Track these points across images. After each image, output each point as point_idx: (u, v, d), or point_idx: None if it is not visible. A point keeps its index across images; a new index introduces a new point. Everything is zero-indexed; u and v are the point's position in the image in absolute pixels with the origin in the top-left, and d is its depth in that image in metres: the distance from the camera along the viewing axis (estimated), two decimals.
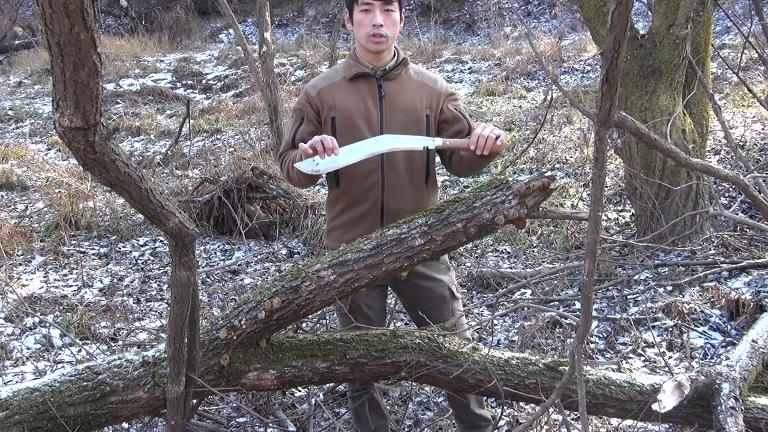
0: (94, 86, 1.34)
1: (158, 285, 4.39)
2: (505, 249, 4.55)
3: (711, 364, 2.28)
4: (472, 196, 1.98)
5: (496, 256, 4.47)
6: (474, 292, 3.96)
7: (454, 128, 2.28)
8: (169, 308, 2.07)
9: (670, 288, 3.50)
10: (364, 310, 2.32)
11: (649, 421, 2.18)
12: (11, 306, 3.86)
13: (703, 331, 3.13)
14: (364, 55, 2.21)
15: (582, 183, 5.25)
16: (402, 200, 2.21)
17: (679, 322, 3.16)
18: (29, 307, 3.82)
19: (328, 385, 2.82)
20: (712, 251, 3.72)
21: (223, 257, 4.95)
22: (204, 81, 10.29)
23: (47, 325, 3.60)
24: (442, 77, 2.33)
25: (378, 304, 2.38)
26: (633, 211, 4.40)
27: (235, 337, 1.99)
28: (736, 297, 3.16)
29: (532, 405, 2.57)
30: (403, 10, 2.21)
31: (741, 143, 5.15)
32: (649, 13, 4.93)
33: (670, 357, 2.97)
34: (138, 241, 5.20)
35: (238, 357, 2.03)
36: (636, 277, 3.69)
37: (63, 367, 3.12)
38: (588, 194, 4.99)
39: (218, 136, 7.79)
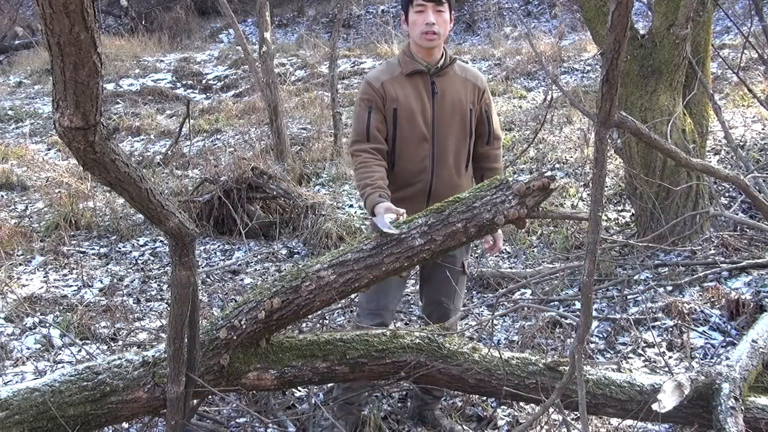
0: (94, 86, 1.34)
1: (158, 285, 4.39)
2: (505, 249, 4.55)
3: (711, 364, 2.28)
4: (472, 196, 1.99)
5: (496, 256, 4.47)
6: (474, 292, 3.96)
7: (478, 129, 2.55)
8: (169, 308, 2.07)
9: (670, 288, 3.50)
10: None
11: (649, 421, 2.18)
12: (11, 306, 3.86)
13: (703, 331, 3.13)
14: (418, 52, 2.44)
15: (582, 183, 5.25)
16: (446, 185, 2.45)
17: (679, 322, 3.16)
18: (29, 307, 3.82)
19: (328, 385, 2.82)
20: (712, 251, 3.72)
21: (223, 257, 4.95)
22: (204, 81, 10.29)
23: (47, 325, 3.59)
24: (481, 73, 2.61)
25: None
26: (633, 211, 4.39)
27: (235, 337, 1.99)
28: (736, 297, 3.16)
29: (532, 405, 2.57)
30: (453, 11, 2.46)
31: (741, 143, 5.15)
32: (649, 13, 4.93)
33: (670, 357, 2.97)
34: (138, 241, 5.20)
35: (238, 357, 2.03)
36: (636, 277, 3.69)
37: (63, 367, 3.12)
38: (588, 194, 4.99)
39: (218, 136, 7.78)
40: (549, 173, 1.97)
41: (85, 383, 1.93)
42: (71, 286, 4.33)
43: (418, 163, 2.45)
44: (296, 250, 4.98)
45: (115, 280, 4.44)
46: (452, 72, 2.48)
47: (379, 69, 2.52)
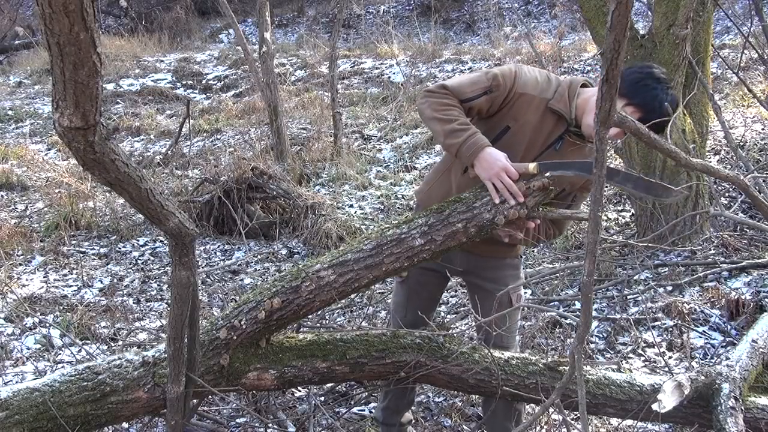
0: (94, 86, 1.34)
1: (158, 285, 4.39)
2: None
3: (711, 364, 2.28)
4: (472, 196, 1.98)
5: None
6: None
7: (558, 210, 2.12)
8: (169, 308, 2.07)
9: (670, 288, 3.50)
10: (414, 286, 2.32)
11: (649, 421, 2.18)
12: (11, 306, 3.86)
13: (703, 331, 3.13)
14: (581, 112, 2.02)
15: None
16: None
17: (679, 322, 3.16)
18: (29, 307, 3.82)
19: (328, 385, 2.82)
20: (712, 251, 3.72)
21: (223, 257, 4.95)
22: (204, 81, 10.28)
23: (47, 325, 3.59)
24: None
25: (430, 288, 2.35)
26: (633, 211, 4.39)
27: (235, 337, 1.99)
28: (736, 297, 3.16)
29: (532, 405, 2.57)
30: None
31: (741, 143, 5.15)
32: (649, 13, 4.93)
33: (670, 357, 2.97)
34: (138, 241, 5.20)
35: (238, 357, 2.03)
36: (636, 277, 3.69)
37: (63, 367, 3.12)
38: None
39: (218, 136, 7.78)
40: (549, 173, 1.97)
41: (85, 383, 1.93)
42: (71, 286, 4.33)
43: (477, 191, 2.03)
44: (296, 250, 4.98)
45: (115, 280, 4.44)
46: (584, 146, 2.09)
47: (537, 76, 2.07)
